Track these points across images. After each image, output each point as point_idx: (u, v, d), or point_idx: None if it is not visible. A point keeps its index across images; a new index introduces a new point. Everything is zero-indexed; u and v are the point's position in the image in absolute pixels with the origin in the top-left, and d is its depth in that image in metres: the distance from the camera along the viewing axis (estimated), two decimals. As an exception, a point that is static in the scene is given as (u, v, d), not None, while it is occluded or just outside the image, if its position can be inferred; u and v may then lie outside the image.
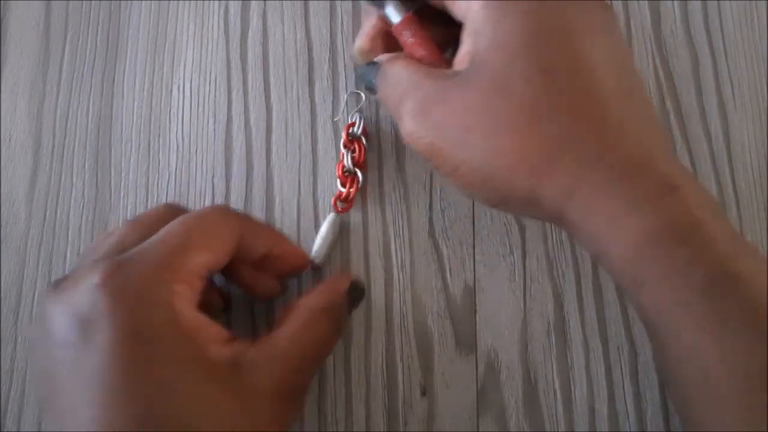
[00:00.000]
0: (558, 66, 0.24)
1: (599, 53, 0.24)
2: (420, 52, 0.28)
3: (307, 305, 0.27)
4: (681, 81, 0.33)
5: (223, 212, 0.27)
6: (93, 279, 0.23)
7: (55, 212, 0.33)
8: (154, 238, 0.25)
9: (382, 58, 0.28)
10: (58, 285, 0.24)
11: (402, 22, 0.28)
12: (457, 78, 0.25)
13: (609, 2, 0.35)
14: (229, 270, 0.28)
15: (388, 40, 0.30)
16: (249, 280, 0.28)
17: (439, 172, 0.27)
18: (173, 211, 0.27)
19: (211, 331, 0.24)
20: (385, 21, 0.29)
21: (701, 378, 0.23)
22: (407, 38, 0.28)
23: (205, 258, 0.25)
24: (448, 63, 0.27)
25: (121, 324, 0.22)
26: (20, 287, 0.32)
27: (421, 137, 0.25)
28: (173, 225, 0.25)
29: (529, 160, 0.23)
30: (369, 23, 0.30)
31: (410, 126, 0.26)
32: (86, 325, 0.22)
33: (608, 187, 0.23)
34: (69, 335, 0.23)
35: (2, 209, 0.33)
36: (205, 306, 0.28)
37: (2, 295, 0.32)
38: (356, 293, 0.29)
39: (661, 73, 0.34)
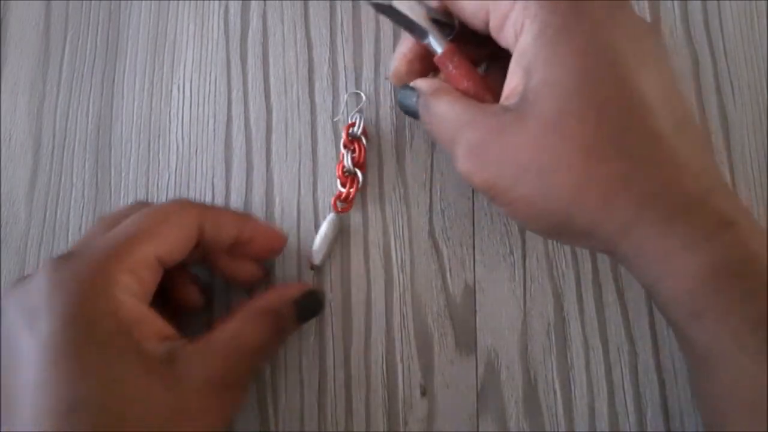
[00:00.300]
0: (613, 103, 0.23)
1: (653, 86, 0.24)
2: (464, 83, 0.27)
3: (250, 305, 0.27)
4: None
5: (180, 204, 0.28)
6: (41, 270, 0.24)
7: (55, 212, 0.33)
8: (109, 232, 0.26)
9: (422, 86, 0.28)
10: (15, 282, 0.25)
11: (445, 54, 0.27)
12: (510, 116, 0.24)
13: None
14: (208, 262, 0.28)
15: (425, 62, 0.29)
16: (227, 268, 0.29)
17: (494, 203, 0.27)
18: (140, 207, 0.28)
19: (151, 325, 0.25)
20: (423, 45, 0.29)
21: (752, 405, 0.22)
22: (451, 69, 0.27)
23: (155, 248, 0.25)
24: (493, 92, 0.26)
25: (61, 312, 0.23)
26: (20, 287, 0.32)
27: (476, 175, 0.25)
28: (129, 219, 0.26)
29: (586, 200, 0.23)
30: (407, 45, 0.30)
31: (465, 164, 0.26)
32: (31, 314, 0.23)
33: (665, 225, 0.23)
34: (15, 325, 0.24)
35: (2, 209, 0.33)
36: (182, 302, 0.29)
37: (2, 295, 0.32)
38: (310, 305, 0.29)
39: (661, 73, 0.34)
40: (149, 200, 0.33)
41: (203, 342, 0.25)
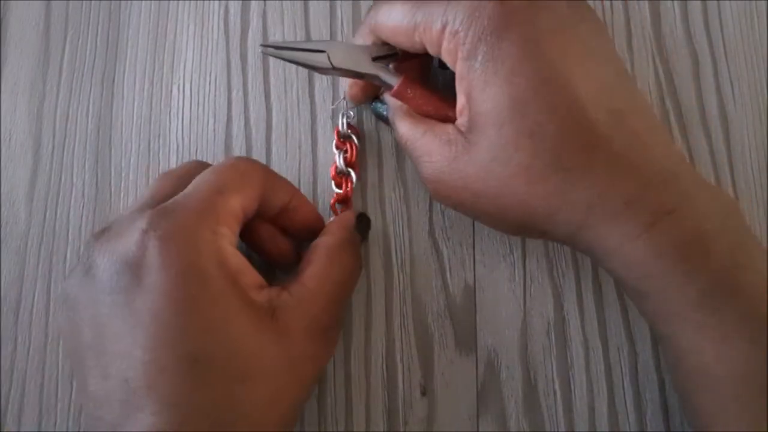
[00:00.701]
0: (545, 127, 0.24)
1: (586, 88, 0.24)
2: (424, 108, 0.28)
3: (325, 245, 0.28)
4: (681, 81, 0.33)
5: (250, 160, 0.28)
6: (139, 225, 0.24)
7: (55, 212, 0.33)
8: (191, 186, 0.26)
9: (389, 102, 0.29)
10: (101, 235, 0.25)
11: (398, 89, 0.28)
12: (460, 145, 0.26)
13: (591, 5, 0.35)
14: (247, 228, 0.28)
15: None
16: (266, 236, 0.29)
17: None
18: (202, 165, 0.28)
19: (250, 274, 0.25)
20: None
21: (702, 377, 0.24)
22: (409, 99, 0.28)
23: (241, 200, 0.26)
24: (453, 107, 0.27)
25: (170, 266, 0.23)
26: (20, 287, 0.32)
27: (440, 199, 0.28)
28: (206, 173, 0.26)
29: (534, 215, 0.25)
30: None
31: (429, 189, 0.28)
32: (136, 269, 0.23)
33: (606, 226, 0.25)
34: (119, 280, 0.23)
35: (2, 209, 0.33)
36: (274, 255, 0.29)
37: (2, 295, 0.32)
38: (363, 225, 0.31)
39: (661, 73, 0.34)
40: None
41: (296, 289, 0.26)
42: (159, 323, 0.22)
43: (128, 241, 0.23)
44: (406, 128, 0.28)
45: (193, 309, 0.23)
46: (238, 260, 0.25)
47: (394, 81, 0.28)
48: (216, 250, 0.24)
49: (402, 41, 0.28)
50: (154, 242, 0.23)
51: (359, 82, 0.31)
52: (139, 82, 0.35)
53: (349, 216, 0.30)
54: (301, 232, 0.30)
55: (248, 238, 0.29)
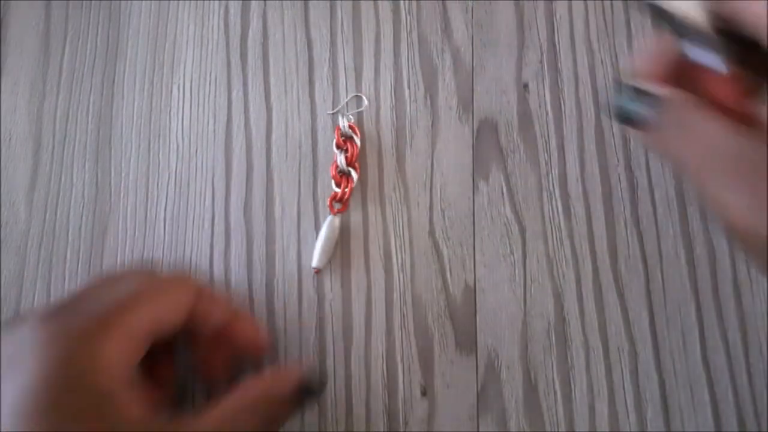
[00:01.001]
0: None
1: None
2: (736, 107, 0.22)
3: (246, 392, 0.26)
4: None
5: (180, 277, 0.28)
6: (34, 317, 0.24)
7: (55, 212, 0.33)
8: (104, 292, 0.26)
9: (675, 97, 0.22)
10: (7, 322, 0.26)
11: (731, 77, 0.22)
12: None
13: None
14: (184, 342, 0.28)
15: (678, 69, 0.23)
16: (199, 354, 0.29)
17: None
18: (139, 272, 0.28)
19: (135, 394, 0.24)
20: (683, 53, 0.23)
21: None
22: (728, 93, 0.22)
23: (150, 318, 0.25)
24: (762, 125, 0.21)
25: (43, 365, 0.23)
26: (20, 287, 0.32)
27: (756, 228, 0.20)
28: (126, 283, 0.26)
29: None
30: (663, 44, 0.24)
31: (747, 217, 0.20)
32: (12, 361, 0.23)
33: None
34: (2, 354, 0.23)
35: (2, 209, 0.33)
36: (206, 374, 0.29)
37: (2, 295, 0.32)
38: (309, 390, 0.27)
39: (661, 73, 0.34)
40: (149, 200, 0.33)
41: (190, 423, 0.24)
42: (15, 417, 0.22)
43: (17, 330, 0.24)
44: (710, 125, 0.20)
45: (48, 412, 0.22)
46: (121, 375, 0.24)
47: (724, 64, 0.22)
48: (94, 358, 0.23)
49: (749, 11, 0.20)
50: (36, 336, 0.23)
51: (663, 58, 0.23)
52: (139, 82, 0.35)
53: (289, 378, 0.27)
54: (241, 350, 0.29)
55: (186, 350, 0.29)
